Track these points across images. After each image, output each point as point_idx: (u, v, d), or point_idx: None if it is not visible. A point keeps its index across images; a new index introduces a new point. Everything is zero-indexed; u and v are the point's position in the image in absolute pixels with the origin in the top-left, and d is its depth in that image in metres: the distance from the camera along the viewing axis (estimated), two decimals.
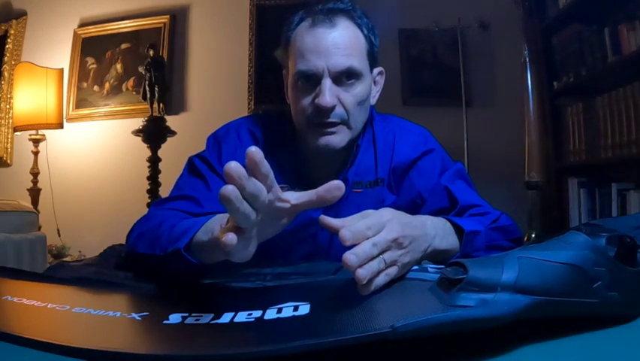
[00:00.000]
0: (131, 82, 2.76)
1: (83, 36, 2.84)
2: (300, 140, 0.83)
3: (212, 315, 0.42)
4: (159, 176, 2.37)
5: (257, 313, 0.41)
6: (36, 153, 2.54)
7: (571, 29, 1.96)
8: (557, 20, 2.03)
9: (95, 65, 2.82)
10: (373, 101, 0.84)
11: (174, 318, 0.42)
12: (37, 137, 2.54)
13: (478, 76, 2.47)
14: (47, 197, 2.57)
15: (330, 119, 0.75)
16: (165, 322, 0.41)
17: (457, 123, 2.31)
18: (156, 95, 2.42)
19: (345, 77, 0.75)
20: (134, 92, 2.72)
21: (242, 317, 0.41)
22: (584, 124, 1.91)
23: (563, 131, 2.02)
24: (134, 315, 0.44)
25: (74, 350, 0.35)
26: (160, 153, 2.38)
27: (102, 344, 0.37)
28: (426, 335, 0.32)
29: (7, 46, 2.86)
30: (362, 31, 0.79)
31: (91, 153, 2.76)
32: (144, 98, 2.43)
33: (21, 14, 2.89)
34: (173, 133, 2.40)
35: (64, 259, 2.36)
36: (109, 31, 2.81)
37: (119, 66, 2.79)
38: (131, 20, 2.79)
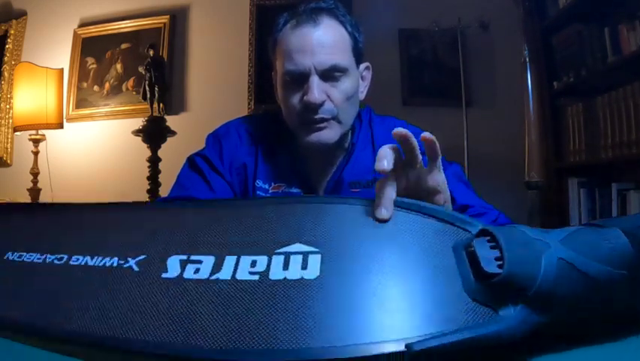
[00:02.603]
0: (131, 82, 2.76)
1: (83, 36, 2.84)
2: (295, 138, 0.83)
3: (213, 260, 0.38)
4: (159, 176, 2.37)
5: (261, 264, 0.37)
6: (36, 153, 2.54)
7: (571, 29, 1.96)
8: (557, 20, 2.03)
9: (95, 65, 2.82)
10: (362, 96, 0.85)
11: (173, 267, 0.39)
12: (37, 137, 2.54)
13: (478, 76, 2.47)
14: (47, 197, 2.57)
15: (320, 115, 0.77)
16: (164, 275, 0.38)
17: (457, 123, 2.31)
18: (156, 95, 2.41)
19: (331, 73, 0.77)
20: (134, 92, 2.72)
21: (245, 270, 0.37)
22: (584, 124, 1.91)
23: (563, 131, 2.02)
24: (131, 262, 0.41)
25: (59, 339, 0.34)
26: (160, 153, 2.38)
27: (98, 327, 0.35)
28: (442, 354, 0.29)
29: (7, 46, 2.86)
30: (346, 28, 0.80)
31: (91, 153, 2.76)
32: (144, 98, 2.43)
33: (21, 14, 2.90)
34: (173, 133, 2.40)
35: None
36: (109, 31, 2.81)
37: (119, 66, 2.79)
38: (131, 20, 2.79)
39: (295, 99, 0.78)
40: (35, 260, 0.44)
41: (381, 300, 0.33)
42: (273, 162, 0.85)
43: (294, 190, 0.84)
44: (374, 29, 2.27)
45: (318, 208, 0.42)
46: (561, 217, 1.96)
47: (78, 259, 0.43)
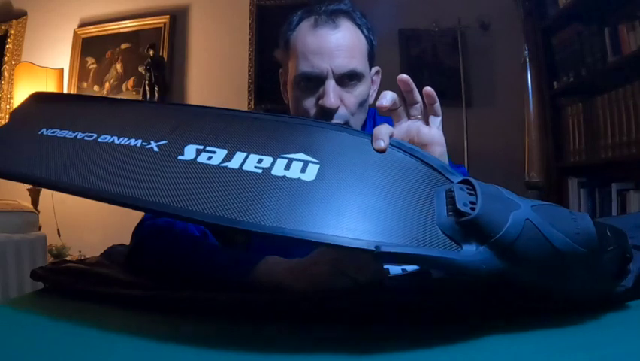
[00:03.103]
0: (131, 82, 2.76)
1: (83, 36, 2.84)
2: None
3: (225, 152, 0.43)
4: None
5: (266, 162, 0.42)
6: None
7: (571, 29, 1.96)
8: (557, 20, 2.03)
9: (95, 65, 2.82)
10: (371, 100, 0.84)
11: (188, 152, 0.44)
12: None
13: (478, 76, 2.47)
14: (47, 197, 2.57)
15: (334, 121, 0.75)
16: (180, 157, 0.43)
17: (457, 123, 2.31)
18: (156, 95, 2.42)
19: (347, 78, 0.76)
20: (134, 92, 2.72)
21: (251, 164, 0.42)
22: (584, 124, 1.91)
23: (563, 131, 2.02)
24: (153, 144, 0.46)
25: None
26: None
27: (112, 186, 0.41)
28: (403, 263, 0.34)
29: (7, 46, 2.86)
30: (362, 32, 0.79)
31: None
32: (144, 98, 2.44)
33: (21, 14, 2.90)
34: None
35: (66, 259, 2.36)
36: (109, 31, 2.81)
37: (119, 66, 2.79)
38: (131, 20, 2.79)
39: (309, 102, 0.77)
40: (67, 136, 0.49)
41: (362, 209, 0.37)
42: None
43: None
44: (374, 29, 2.27)
45: (325, 132, 0.48)
46: None
47: (106, 138, 0.48)
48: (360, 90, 0.77)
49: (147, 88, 2.42)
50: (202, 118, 0.52)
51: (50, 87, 2.51)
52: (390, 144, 0.45)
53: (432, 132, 0.58)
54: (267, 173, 0.41)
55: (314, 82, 0.76)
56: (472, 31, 2.43)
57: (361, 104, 0.78)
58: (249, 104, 2.66)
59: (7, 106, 2.82)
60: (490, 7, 2.36)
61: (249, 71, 2.69)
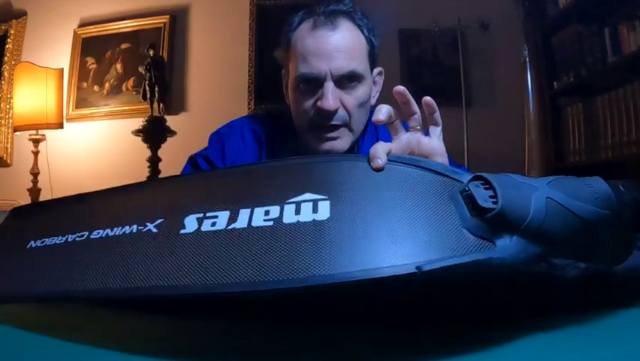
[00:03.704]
0: (131, 82, 2.76)
1: (83, 36, 2.84)
2: (302, 140, 0.83)
3: (228, 214, 0.40)
4: (159, 176, 2.37)
5: (274, 212, 0.39)
6: (36, 153, 2.54)
7: (571, 29, 1.96)
8: (557, 20, 2.03)
9: (95, 65, 2.82)
10: (373, 101, 0.84)
11: (190, 224, 0.41)
12: (37, 137, 2.54)
13: (478, 76, 2.47)
14: (47, 197, 2.57)
15: (333, 122, 0.75)
16: (182, 231, 0.40)
17: (457, 123, 2.31)
18: (156, 95, 2.41)
19: (346, 79, 0.75)
20: (134, 92, 2.72)
21: (259, 218, 0.39)
22: (584, 124, 1.91)
23: (563, 131, 2.02)
24: (149, 226, 0.42)
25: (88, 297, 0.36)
26: (160, 153, 2.38)
27: (123, 283, 0.37)
28: (448, 278, 0.32)
29: (7, 46, 2.86)
30: (363, 32, 0.79)
31: (91, 153, 2.76)
32: (144, 98, 2.43)
33: (21, 14, 2.89)
34: (173, 133, 2.40)
35: None
36: (109, 31, 2.81)
37: (119, 66, 2.79)
38: (131, 20, 2.79)
39: (307, 103, 0.77)
40: (57, 242, 0.46)
41: (389, 232, 0.35)
42: None
43: None
44: (375, 30, 2.27)
45: (321, 165, 0.46)
46: None
47: (98, 233, 0.44)
48: (360, 92, 0.77)
49: (147, 88, 2.41)
50: (190, 185, 0.50)
51: (50, 87, 2.51)
52: (390, 160, 0.44)
53: (432, 143, 0.58)
54: (279, 223, 0.38)
55: (313, 84, 0.75)
56: (472, 31, 2.43)
57: (361, 105, 0.78)
58: (249, 104, 2.66)
59: (7, 106, 2.82)
60: (490, 7, 2.36)
61: (249, 71, 2.69)
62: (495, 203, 0.35)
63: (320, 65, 0.74)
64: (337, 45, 0.74)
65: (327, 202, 0.39)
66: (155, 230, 0.42)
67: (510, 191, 0.35)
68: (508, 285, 0.35)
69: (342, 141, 0.77)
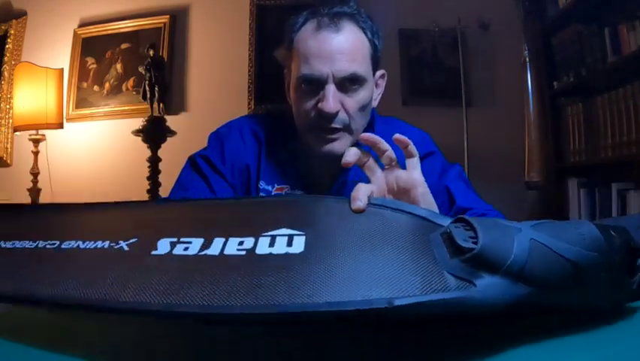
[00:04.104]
0: (131, 82, 2.76)
1: (83, 36, 2.84)
2: (301, 140, 0.83)
3: (202, 241, 0.40)
4: (159, 176, 2.37)
5: (248, 243, 0.39)
6: (36, 153, 2.54)
7: (571, 29, 1.97)
8: (557, 20, 2.03)
9: (95, 65, 2.82)
10: (375, 103, 0.83)
11: (162, 246, 0.40)
12: (37, 137, 2.54)
13: (478, 76, 2.47)
14: (47, 197, 2.57)
15: (333, 125, 0.75)
16: (153, 252, 0.40)
17: (457, 123, 2.31)
18: (156, 95, 2.42)
19: (348, 82, 0.75)
20: (134, 92, 2.72)
21: (233, 247, 0.39)
22: (584, 124, 1.91)
23: (563, 131, 2.02)
24: (122, 244, 0.42)
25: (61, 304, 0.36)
26: (160, 153, 2.38)
27: (86, 291, 0.36)
28: (422, 314, 0.31)
29: (7, 46, 2.86)
30: (366, 35, 0.78)
31: (91, 153, 2.76)
32: (144, 98, 2.44)
33: (21, 14, 2.89)
34: (173, 133, 2.40)
35: None
36: (109, 31, 2.81)
37: (119, 66, 2.79)
38: (131, 20, 2.79)
39: (308, 105, 0.76)
40: (27, 246, 0.45)
41: (364, 267, 0.35)
42: (276, 163, 0.84)
43: (297, 192, 0.83)
44: (379, 32, 2.27)
45: (299, 202, 0.46)
46: (561, 217, 1.95)
47: (70, 244, 0.44)
48: (362, 95, 0.77)
49: (147, 88, 2.41)
50: (168, 211, 0.50)
51: (50, 87, 2.51)
52: (372, 203, 0.44)
53: (411, 176, 0.58)
54: (252, 253, 0.38)
55: (314, 85, 0.75)
56: (472, 31, 2.43)
57: (362, 108, 0.78)
58: (248, 104, 2.66)
59: (7, 106, 2.82)
60: (490, 7, 2.36)
61: (249, 71, 2.69)
62: (475, 243, 0.34)
63: (322, 66, 0.74)
64: (340, 47, 0.74)
65: (303, 237, 0.39)
66: (126, 248, 0.42)
67: (491, 232, 0.35)
68: (491, 319, 0.35)
69: (341, 143, 0.77)
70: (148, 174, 2.36)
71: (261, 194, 0.83)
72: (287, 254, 0.37)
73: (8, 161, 2.84)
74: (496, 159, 2.31)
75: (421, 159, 0.84)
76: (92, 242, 0.43)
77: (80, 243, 0.44)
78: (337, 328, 0.33)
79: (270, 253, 0.37)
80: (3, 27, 2.89)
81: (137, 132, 2.36)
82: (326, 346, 0.37)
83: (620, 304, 0.41)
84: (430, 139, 0.90)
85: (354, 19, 0.77)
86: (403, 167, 0.60)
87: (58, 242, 0.45)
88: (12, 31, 2.86)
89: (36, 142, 2.54)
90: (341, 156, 0.78)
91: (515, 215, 0.83)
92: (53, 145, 2.67)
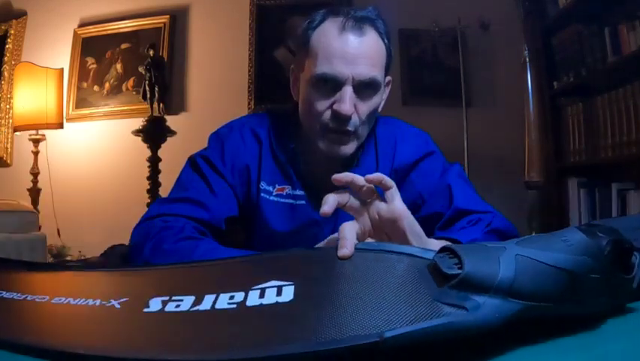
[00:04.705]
0: (130, 82, 2.76)
1: (83, 36, 2.84)
2: (303, 138, 0.82)
3: (193, 298, 0.41)
4: (159, 176, 2.37)
5: (239, 297, 0.40)
6: (36, 153, 2.54)
7: (571, 29, 1.96)
8: (557, 20, 2.03)
9: (95, 65, 2.82)
10: (380, 109, 0.84)
11: (154, 304, 0.41)
12: (37, 137, 2.54)
13: (478, 76, 2.47)
14: (47, 197, 2.57)
15: (347, 128, 0.76)
16: (146, 310, 0.40)
17: (457, 123, 2.31)
18: (156, 95, 2.42)
19: (364, 86, 0.75)
20: (134, 92, 2.72)
21: (223, 301, 0.40)
22: (584, 124, 1.91)
23: (563, 131, 2.02)
24: (113, 302, 0.42)
25: (48, 352, 0.35)
26: (160, 153, 2.38)
27: (76, 342, 0.37)
28: (416, 343, 0.31)
29: (7, 46, 2.86)
30: (384, 41, 0.79)
31: (91, 153, 2.76)
32: (144, 98, 2.44)
33: (21, 14, 2.90)
34: (173, 133, 2.40)
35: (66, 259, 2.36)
36: (109, 31, 2.81)
37: (119, 66, 2.79)
38: (131, 20, 2.79)
39: (322, 104, 0.76)
40: (15, 297, 0.45)
41: (353, 307, 0.36)
42: (277, 163, 0.84)
43: (298, 192, 0.83)
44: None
45: (289, 256, 0.48)
46: (561, 217, 1.96)
47: (60, 300, 0.44)
48: (374, 100, 0.77)
49: (147, 88, 2.42)
50: (158, 274, 0.52)
51: (50, 87, 2.51)
52: (357, 248, 0.44)
53: (392, 207, 0.57)
54: (243, 305, 0.39)
55: (331, 85, 0.75)
56: (472, 31, 2.43)
57: (372, 114, 0.78)
58: (248, 104, 2.66)
59: (7, 106, 2.82)
60: (490, 7, 2.36)
61: (249, 71, 2.69)
62: (460, 269, 0.35)
63: (343, 68, 0.74)
64: (363, 51, 0.74)
65: (292, 287, 0.40)
66: (118, 306, 0.42)
67: (475, 255, 0.35)
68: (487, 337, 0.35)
69: (349, 146, 0.78)
70: (148, 174, 2.36)
71: (262, 195, 0.83)
72: (277, 303, 0.38)
73: (8, 161, 2.84)
74: (496, 159, 2.31)
75: (421, 159, 0.85)
76: (84, 300, 0.43)
77: (71, 300, 0.44)
78: None
79: (261, 304, 0.38)
80: (3, 27, 2.90)
81: (137, 132, 2.36)
82: None
83: (622, 304, 0.41)
84: (429, 139, 0.90)
85: (375, 25, 0.78)
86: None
87: (47, 297, 0.44)
88: (12, 31, 2.87)
89: (36, 142, 2.54)
90: (344, 157, 0.79)
91: (515, 215, 0.83)
92: (53, 145, 2.67)
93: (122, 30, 2.80)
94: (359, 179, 0.57)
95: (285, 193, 0.83)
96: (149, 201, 2.30)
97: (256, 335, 0.35)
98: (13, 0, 2.93)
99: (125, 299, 0.43)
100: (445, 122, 2.26)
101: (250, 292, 0.40)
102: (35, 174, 2.53)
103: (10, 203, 2.00)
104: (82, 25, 2.86)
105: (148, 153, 2.37)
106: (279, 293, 0.39)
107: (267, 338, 0.34)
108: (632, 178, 1.73)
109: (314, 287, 0.40)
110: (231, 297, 0.40)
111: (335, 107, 0.74)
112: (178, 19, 2.77)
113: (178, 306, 0.40)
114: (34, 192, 2.52)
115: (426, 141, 0.88)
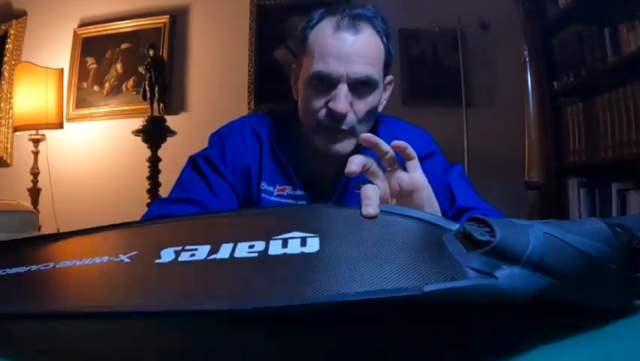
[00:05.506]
0: (131, 82, 2.76)
1: (83, 36, 2.84)
2: (303, 138, 0.82)
3: (208, 247, 0.38)
4: (159, 176, 2.37)
5: (259, 246, 0.37)
6: (36, 153, 2.54)
7: (571, 29, 1.96)
8: (557, 20, 2.03)
9: (95, 65, 2.82)
10: (380, 108, 0.83)
11: (166, 255, 0.38)
12: (37, 137, 2.54)
13: (478, 76, 2.47)
14: (47, 197, 2.57)
15: (342, 126, 0.75)
16: (157, 261, 0.38)
17: (457, 123, 2.31)
18: (156, 95, 2.42)
19: (360, 84, 0.75)
20: (134, 92, 2.72)
21: (243, 250, 0.37)
22: (584, 124, 1.91)
23: (563, 131, 2.02)
24: (122, 257, 0.39)
25: (56, 315, 0.32)
26: (160, 153, 2.38)
27: (83, 301, 0.34)
28: (451, 303, 0.30)
29: (7, 46, 2.86)
30: (382, 39, 0.78)
31: (91, 153, 2.76)
32: (144, 98, 2.44)
33: (21, 14, 2.90)
34: (173, 133, 2.40)
35: None
36: (109, 31, 2.81)
37: (119, 66, 2.79)
38: (131, 20, 2.79)
39: (318, 102, 0.76)
40: (20, 271, 0.42)
41: (387, 264, 0.34)
42: (278, 164, 0.84)
43: (299, 193, 0.83)
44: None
45: (310, 209, 0.46)
46: (561, 217, 1.95)
47: (65, 263, 0.41)
48: (371, 99, 0.77)
49: (147, 88, 2.42)
50: (167, 227, 0.48)
51: (50, 87, 2.51)
52: (381, 210, 0.43)
53: (412, 177, 0.57)
54: (264, 255, 0.36)
55: (326, 83, 0.75)
56: (472, 31, 2.43)
57: (370, 112, 0.78)
58: (248, 104, 2.66)
59: (7, 106, 2.82)
60: (490, 7, 2.37)
61: (249, 71, 2.69)
62: (492, 237, 0.35)
63: (338, 66, 0.74)
64: (357, 49, 0.74)
65: (317, 238, 0.38)
66: (127, 260, 0.39)
67: (506, 226, 0.35)
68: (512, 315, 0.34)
69: (345, 144, 0.77)
70: (148, 174, 2.36)
71: (263, 195, 0.83)
72: (302, 253, 0.36)
73: (8, 161, 2.84)
74: (496, 159, 2.31)
75: (423, 159, 0.85)
76: (90, 259, 0.41)
77: (77, 261, 0.41)
78: (357, 328, 0.31)
79: (285, 253, 0.36)
80: (3, 27, 2.89)
81: (137, 132, 2.36)
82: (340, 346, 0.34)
83: (628, 303, 0.41)
84: (431, 139, 0.90)
85: (373, 23, 0.77)
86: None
87: (52, 264, 0.42)
88: (12, 31, 2.87)
89: (36, 142, 2.54)
90: (343, 155, 0.79)
91: (515, 215, 0.82)
92: (53, 145, 2.67)
93: (122, 30, 2.80)
94: (384, 144, 0.57)
95: (285, 193, 0.83)
96: (149, 201, 2.30)
97: (285, 284, 0.32)
98: (13, 0, 2.93)
99: (134, 253, 0.40)
100: (445, 122, 2.26)
101: (271, 241, 0.38)
102: (35, 174, 2.53)
103: (10, 203, 2.00)
104: (82, 25, 2.86)
105: (148, 153, 2.37)
106: (303, 244, 0.37)
107: (296, 286, 0.31)
108: (632, 178, 1.73)
109: (341, 241, 0.38)
110: (251, 246, 0.37)
111: (330, 105, 0.75)
112: (178, 19, 2.77)
113: (193, 255, 0.37)
114: (34, 192, 2.52)
115: (427, 141, 0.88)
